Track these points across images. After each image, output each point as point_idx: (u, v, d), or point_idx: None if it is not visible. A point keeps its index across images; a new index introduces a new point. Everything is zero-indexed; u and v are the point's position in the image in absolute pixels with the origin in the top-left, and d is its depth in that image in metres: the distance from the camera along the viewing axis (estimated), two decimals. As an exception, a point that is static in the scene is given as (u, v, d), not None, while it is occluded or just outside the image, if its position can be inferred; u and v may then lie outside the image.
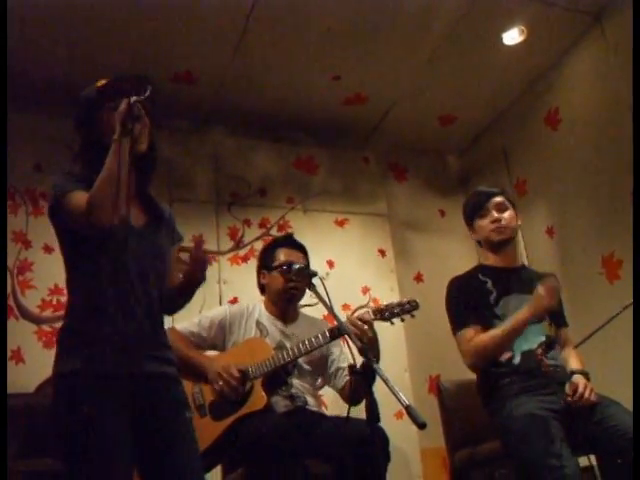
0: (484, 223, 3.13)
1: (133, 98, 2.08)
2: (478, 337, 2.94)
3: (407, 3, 4.04)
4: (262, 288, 3.45)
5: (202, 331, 3.25)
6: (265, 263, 3.42)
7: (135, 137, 2.09)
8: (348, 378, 3.23)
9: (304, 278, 2.71)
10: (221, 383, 3.01)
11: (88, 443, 1.96)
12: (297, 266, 2.89)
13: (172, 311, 2.42)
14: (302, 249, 3.43)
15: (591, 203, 4.30)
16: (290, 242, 3.46)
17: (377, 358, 2.94)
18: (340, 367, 3.30)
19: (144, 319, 2.15)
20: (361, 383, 2.10)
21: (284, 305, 3.36)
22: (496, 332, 2.91)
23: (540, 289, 2.88)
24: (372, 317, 2.98)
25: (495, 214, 3.11)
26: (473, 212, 3.18)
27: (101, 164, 2.10)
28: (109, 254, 2.12)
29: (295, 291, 3.32)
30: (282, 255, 3.36)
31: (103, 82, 2.28)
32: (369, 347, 2.29)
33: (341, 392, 3.29)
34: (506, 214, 3.13)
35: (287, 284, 3.29)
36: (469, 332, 2.96)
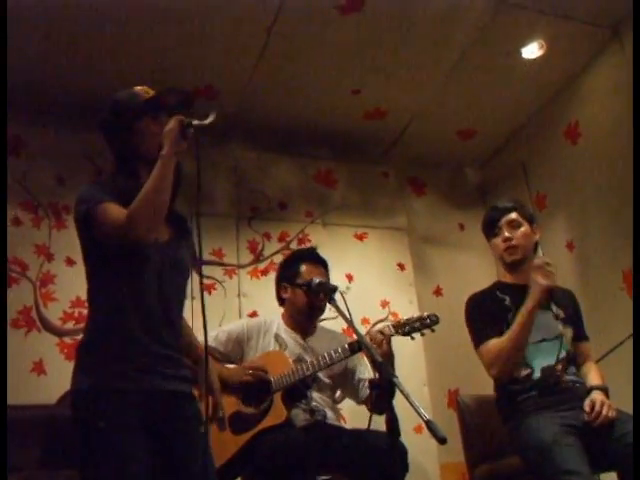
0: (497, 242, 3.11)
1: (195, 121, 2.08)
2: (495, 343, 2.92)
3: (426, 18, 4.06)
4: (282, 300, 3.44)
5: (219, 346, 3.26)
6: (287, 276, 3.40)
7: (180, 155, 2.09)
8: (369, 394, 3.21)
9: (326, 294, 2.71)
10: (250, 372, 3.03)
11: (104, 459, 1.96)
12: (317, 281, 2.89)
13: None
14: (324, 264, 3.41)
15: (611, 217, 4.28)
16: (313, 257, 3.43)
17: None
18: (362, 378, 3.29)
19: (164, 336, 2.15)
20: (381, 397, 2.10)
21: (305, 320, 3.36)
22: (508, 332, 2.89)
23: (533, 275, 2.89)
24: (392, 332, 2.98)
25: (506, 233, 3.07)
26: (488, 230, 3.17)
27: (134, 175, 2.11)
28: (133, 269, 2.12)
29: (319, 311, 3.33)
30: (305, 271, 3.32)
31: (147, 91, 2.26)
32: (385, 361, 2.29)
33: (364, 403, 3.28)
34: (519, 232, 3.08)
35: (312, 303, 3.28)
36: (489, 344, 2.95)
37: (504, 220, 3.10)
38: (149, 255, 2.14)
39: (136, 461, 1.98)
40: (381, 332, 2.96)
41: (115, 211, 2.05)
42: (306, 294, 3.26)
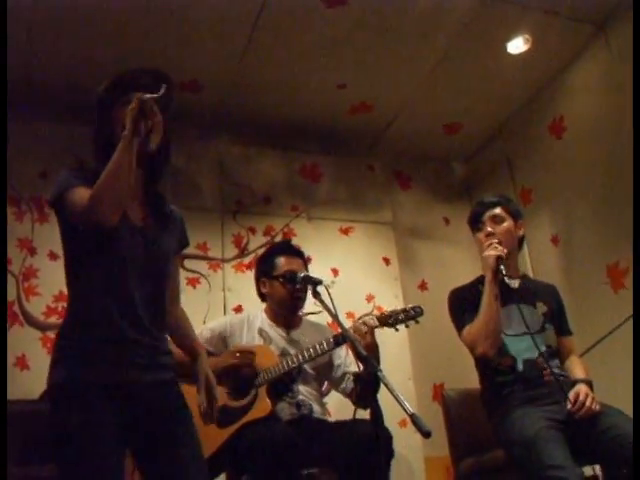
0: (480, 236, 3.10)
1: (146, 95, 2.03)
2: (472, 324, 2.94)
3: (412, 12, 4.06)
4: (262, 296, 3.44)
5: (204, 343, 3.25)
6: (265, 271, 3.40)
7: (144, 135, 2.04)
8: (353, 387, 3.21)
9: (306, 284, 2.71)
10: (238, 355, 3.05)
11: (79, 455, 1.94)
12: (302, 274, 2.89)
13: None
14: (300, 255, 3.41)
15: (596, 212, 4.30)
16: (288, 249, 3.44)
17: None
18: (347, 371, 3.28)
19: (142, 321, 2.10)
20: (366, 391, 2.10)
21: (287, 313, 3.35)
22: (479, 312, 2.92)
23: (482, 253, 2.97)
24: (376, 324, 2.98)
25: (489, 228, 3.07)
26: (472, 225, 3.18)
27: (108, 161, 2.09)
28: (107, 255, 2.08)
29: (299, 301, 3.32)
30: (282, 263, 3.32)
31: (112, 78, 2.24)
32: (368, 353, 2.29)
33: (349, 396, 3.29)
34: (501, 227, 3.07)
35: (290, 294, 3.28)
36: (468, 326, 2.97)
37: (487, 215, 3.11)
38: (122, 238, 2.09)
39: (110, 457, 1.95)
40: (364, 323, 2.96)
41: (82, 194, 2.01)
42: (283, 286, 3.26)
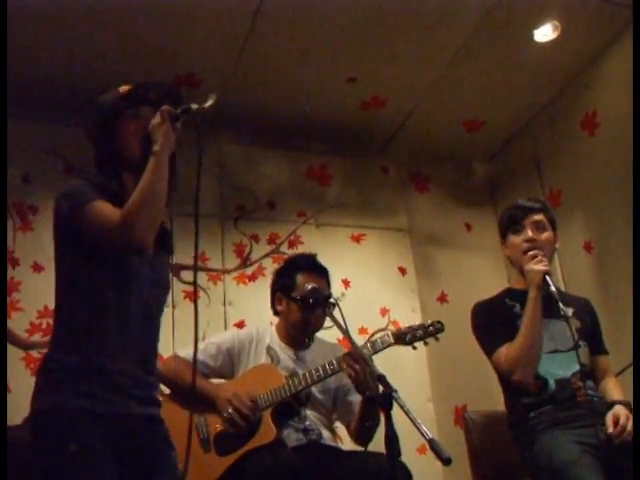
0: (517, 240, 3.08)
1: (194, 106, 2.10)
2: (511, 346, 2.91)
3: (429, -3, 4.07)
4: (276, 312, 3.43)
5: (207, 359, 3.25)
6: (282, 287, 3.38)
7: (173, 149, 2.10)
8: (356, 415, 3.20)
9: (324, 308, 2.70)
10: (231, 411, 3.01)
11: None
12: (311, 286, 2.88)
13: None
14: (325, 274, 3.36)
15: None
16: (312, 266, 3.38)
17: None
18: (351, 401, 3.27)
19: (139, 357, 2.15)
20: (372, 419, 2.10)
21: (299, 335, 3.35)
22: (521, 330, 2.90)
23: (525, 265, 2.94)
24: (392, 341, 2.99)
25: (530, 233, 3.06)
26: (507, 226, 3.16)
27: (118, 175, 2.11)
28: (115, 280, 2.11)
29: (315, 328, 3.32)
30: (302, 282, 3.26)
31: (126, 88, 2.26)
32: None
33: (347, 429, 3.28)
34: (543, 235, 3.07)
35: (307, 320, 3.27)
36: (503, 350, 2.94)
37: (529, 220, 3.08)
38: (134, 267, 2.13)
39: None
40: (353, 356, 2.95)
41: (108, 210, 2.04)
42: (301, 309, 3.25)
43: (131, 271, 2.13)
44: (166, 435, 2.21)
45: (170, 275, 2.36)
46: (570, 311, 3.03)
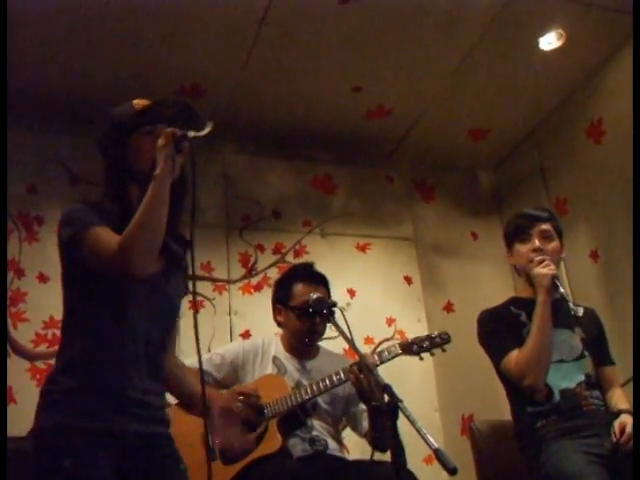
0: (523, 250, 3.08)
1: (191, 133, 2.05)
2: (520, 351, 2.91)
3: (433, 7, 4.06)
4: (279, 323, 3.43)
5: (212, 369, 3.25)
6: (280, 298, 3.38)
7: (177, 173, 2.07)
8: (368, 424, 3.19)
9: (323, 315, 2.69)
10: (242, 398, 3.00)
11: None
12: (315, 295, 2.88)
13: None
14: (324, 283, 3.34)
15: (640, 223, 4.27)
16: (309, 275, 3.37)
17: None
18: (363, 409, 3.25)
19: (144, 377, 2.15)
20: (383, 428, 2.09)
21: (302, 345, 3.35)
22: (531, 335, 2.90)
23: (533, 270, 2.94)
24: (399, 351, 2.99)
25: (537, 242, 3.06)
26: (514, 234, 3.15)
27: (123, 197, 2.11)
28: (117, 302, 2.11)
29: (315, 335, 3.31)
30: (299, 292, 3.28)
31: (143, 104, 2.24)
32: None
33: (365, 436, 3.27)
34: (550, 245, 3.07)
35: (306, 328, 3.27)
36: (512, 355, 2.94)
37: (537, 229, 3.08)
38: (136, 288, 2.12)
39: None
40: (357, 368, 2.95)
41: (107, 237, 2.03)
42: (299, 318, 3.25)
43: (132, 294, 2.12)
44: (173, 452, 2.21)
45: (179, 297, 2.33)
46: (580, 311, 3.03)
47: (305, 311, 3.12)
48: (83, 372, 2.08)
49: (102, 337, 2.10)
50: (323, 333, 3.33)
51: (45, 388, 2.12)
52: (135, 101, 2.28)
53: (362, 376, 2.91)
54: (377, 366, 2.98)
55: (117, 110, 2.27)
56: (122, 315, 2.11)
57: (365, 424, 3.24)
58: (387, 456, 2.09)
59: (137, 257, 1.96)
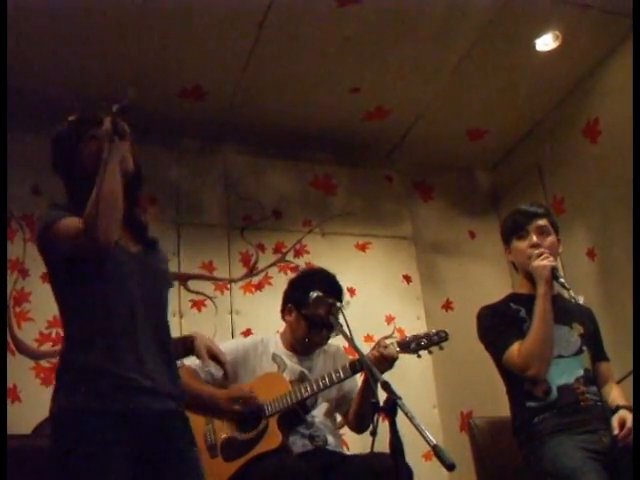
0: (521, 246, 3.08)
1: (114, 107, 2.16)
2: (522, 343, 2.90)
3: (431, 8, 4.07)
4: (284, 319, 3.43)
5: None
6: (294, 299, 3.35)
7: (124, 154, 2.19)
8: (353, 405, 3.24)
9: (333, 330, 2.70)
10: (240, 401, 3.03)
11: None
12: (315, 295, 2.88)
13: None
14: (341, 296, 3.31)
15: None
16: (329, 286, 3.26)
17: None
18: (348, 391, 3.29)
19: (148, 351, 2.17)
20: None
21: (301, 348, 3.35)
22: (532, 326, 2.90)
23: (532, 264, 2.94)
24: (397, 349, 2.99)
25: (535, 238, 3.06)
26: (511, 231, 3.16)
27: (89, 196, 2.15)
28: (107, 281, 2.16)
29: (318, 346, 3.33)
30: (315, 303, 3.05)
31: (75, 114, 2.38)
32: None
33: (344, 418, 3.33)
34: (548, 240, 3.06)
35: (310, 337, 3.28)
36: (514, 347, 2.92)
37: (534, 225, 3.08)
38: (126, 265, 2.19)
39: None
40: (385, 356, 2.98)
41: (74, 221, 2.12)
42: (308, 327, 3.25)
43: (123, 271, 2.19)
44: (189, 432, 2.25)
45: (168, 270, 2.44)
46: (581, 299, 3.03)
47: (316, 324, 3.16)
48: (90, 351, 2.12)
49: (101, 313, 2.16)
50: (324, 345, 3.36)
51: (58, 371, 2.17)
52: (69, 117, 2.41)
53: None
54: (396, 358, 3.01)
55: (56, 130, 2.41)
56: (119, 290, 2.18)
57: (346, 406, 3.27)
58: (386, 448, 2.09)
59: (101, 226, 2.04)
